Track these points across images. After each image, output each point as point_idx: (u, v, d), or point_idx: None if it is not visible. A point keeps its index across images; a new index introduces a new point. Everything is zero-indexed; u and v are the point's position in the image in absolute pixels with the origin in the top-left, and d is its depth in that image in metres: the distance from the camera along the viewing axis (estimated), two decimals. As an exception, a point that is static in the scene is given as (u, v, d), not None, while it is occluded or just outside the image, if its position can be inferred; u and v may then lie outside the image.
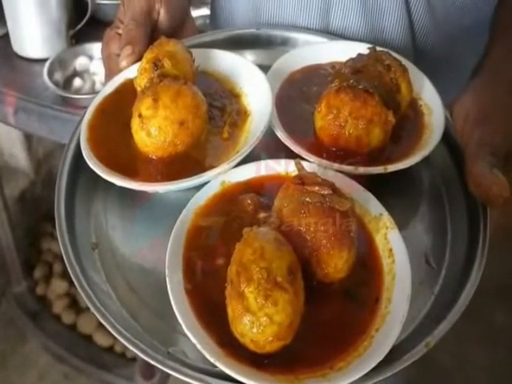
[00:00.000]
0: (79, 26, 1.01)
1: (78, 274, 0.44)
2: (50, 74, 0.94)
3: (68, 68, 0.99)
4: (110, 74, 0.58)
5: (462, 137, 0.52)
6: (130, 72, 0.56)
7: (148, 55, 0.53)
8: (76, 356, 1.31)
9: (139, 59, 0.55)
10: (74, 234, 0.47)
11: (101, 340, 1.34)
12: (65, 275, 1.40)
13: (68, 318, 1.37)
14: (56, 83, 0.95)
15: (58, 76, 0.97)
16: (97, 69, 0.99)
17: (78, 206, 0.50)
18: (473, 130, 0.51)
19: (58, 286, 1.40)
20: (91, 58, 1.01)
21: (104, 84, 0.57)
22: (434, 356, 0.41)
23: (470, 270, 0.45)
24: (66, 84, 0.98)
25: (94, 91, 0.96)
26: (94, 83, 0.98)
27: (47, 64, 0.95)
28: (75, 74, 1.00)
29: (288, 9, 0.68)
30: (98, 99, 0.54)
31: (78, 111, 0.91)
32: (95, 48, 1.00)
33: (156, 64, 0.52)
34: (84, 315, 1.37)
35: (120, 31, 0.59)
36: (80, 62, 1.00)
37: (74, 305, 1.39)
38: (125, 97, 0.53)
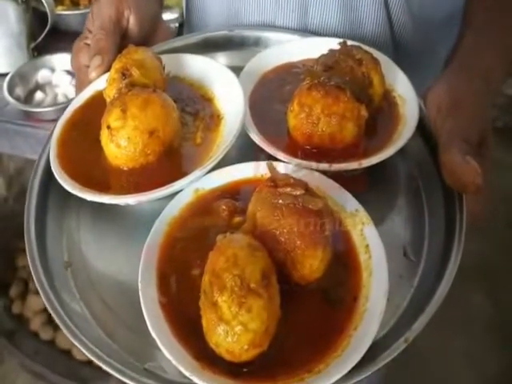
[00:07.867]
0: (40, 38, 0.99)
1: (49, 296, 0.43)
2: (11, 88, 0.93)
3: (30, 81, 0.97)
4: (81, 86, 0.57)
5: (436, 126, 0.52)
6: (100, 83, 0.55)
7: (116, 65, 0.52)
8: (55, 372, 1.28)
9: (109, 69, 0.54)
10: (45, 253, 0.47)
11: (80, 354, 1.31)
12: (41, 291, 1.37)
13: (46, 334, 1.33)
14: (17, 98, 0.93)
15: (19, 90, 0.95)
16: (59, 81, 0.97)
17: (49, 224, 0.49)
18: (446, 118, 0.51)
19: (35, 302, 1.35)
20: (53, 70, 0.99)
21: (75, 97, 0.57)
22: (412, 342, 0.41)
23: (448, 261, 0.45)
24: (29, 97, 0.96)
25: (56, 103, 0.93)
26: (56, 95, 0.96)
27: (7, 79, 0.94)
28: (37, 86, 0.98)
29: (267, 9, 0.67)
30: (67, 113, 0.54)
31: (41, 125, 0.89)
32: (56, 59, 0.98)
33: (124, 73, 0.51)
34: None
35: (89, 41, 0.59)
36: (42, 75, 0.98)
37: (52, 320, 1.31)
38: (95, 109, 0.53)
